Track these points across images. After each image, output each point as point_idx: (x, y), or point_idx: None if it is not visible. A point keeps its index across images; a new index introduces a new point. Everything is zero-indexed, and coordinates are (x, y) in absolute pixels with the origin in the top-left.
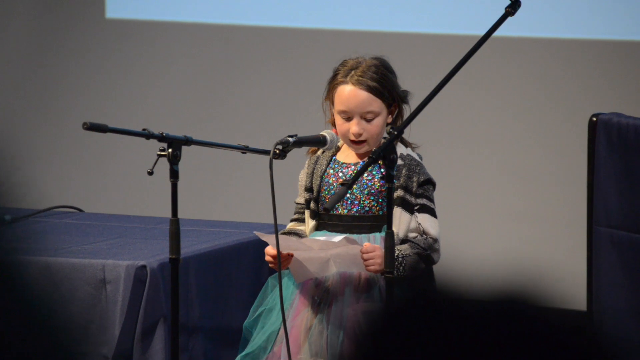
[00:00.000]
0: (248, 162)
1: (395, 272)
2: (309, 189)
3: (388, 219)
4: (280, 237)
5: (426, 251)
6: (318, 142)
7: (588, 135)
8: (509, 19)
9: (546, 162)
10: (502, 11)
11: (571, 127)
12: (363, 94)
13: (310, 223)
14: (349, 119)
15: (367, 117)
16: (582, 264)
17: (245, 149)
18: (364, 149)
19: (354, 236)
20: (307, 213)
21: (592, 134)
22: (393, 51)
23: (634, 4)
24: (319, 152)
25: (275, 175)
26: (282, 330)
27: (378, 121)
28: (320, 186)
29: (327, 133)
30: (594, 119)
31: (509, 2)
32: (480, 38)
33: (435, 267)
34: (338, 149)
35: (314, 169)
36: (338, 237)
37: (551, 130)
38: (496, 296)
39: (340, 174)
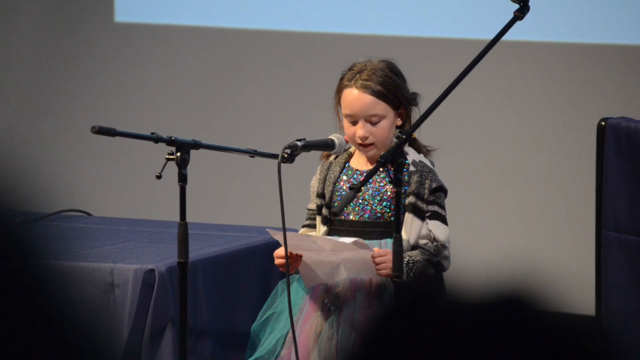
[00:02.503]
0: (256, 166)
1: (405, 277)
2: (320, 195)
3: (396, 223)
4: (291, 235)
5: (436, 258)
6: (326, 146)
7: (597, 140)
8: (517, 23)
9: (554, 166)
10: (510, 15)
11: (579, 132)
12: (367, 98)
13: (322, 229)
14: (354, 122)
15: (372, 121)
16: (591, 269)
17: (253, 153)
18: (372, 151)
19: (365, 242)
20: (318, 219)
21: (601, 138)
22: (402, 55)
23: None
24: (332, 158)
25: (283, 180)
26: (290, 335)
27: (384, 124)
28: (332, 192)
29: (335, 137)
30: (603, 123)
31: (518, 6)
32: (489, 42)
33: (445, 273)
34: (351, 155)
35: (326, 175)
36: (348, 239)
37: (559, 135)
38: (503, 299)
39: (353, 180)
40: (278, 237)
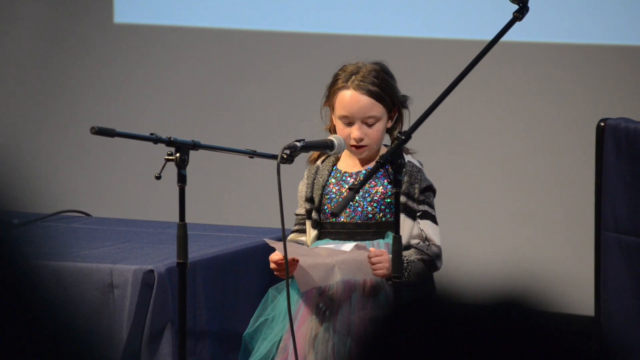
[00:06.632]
0: (255, 166)
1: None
2: (309, 200)
3: (395, 224)
4: (289, 244)
5: (430, 257)
6: (325, 146)
7: (596, 141)
8: (516, 23)
9: (554, 167)
10: (507, 16)
11: (578, 132)
12: (364, 99)
13: (312, 233)
14: (350, 124)
15: (368, 122)
16: (590, 270)
17: (252, 154)
18: (364, 153)
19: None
20: (308, 223)
21: (600, 139)
22: (398, 56)
23: None
24: (319, 163)
25: (282, 180)
26: (284, 341)
27: (379, 126)
28: (321, 196)
29: (334, 138)
30: (602, 124)
31: (517, 7)
32: (488, 43)
33: (438, 273)
34: (338, 158)
35: (314, 179)
36: (348, 245)
37: (558, 136)
38: (501, 300)
39: (343, 183)
40: (275, 245)
